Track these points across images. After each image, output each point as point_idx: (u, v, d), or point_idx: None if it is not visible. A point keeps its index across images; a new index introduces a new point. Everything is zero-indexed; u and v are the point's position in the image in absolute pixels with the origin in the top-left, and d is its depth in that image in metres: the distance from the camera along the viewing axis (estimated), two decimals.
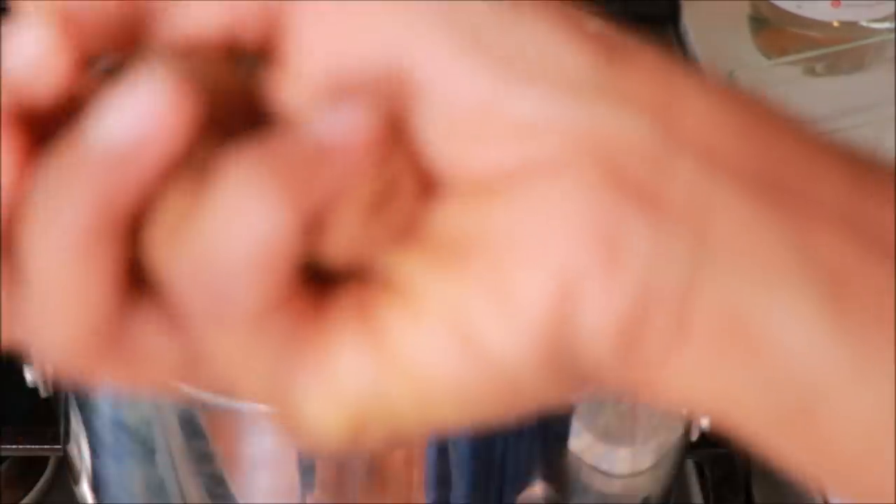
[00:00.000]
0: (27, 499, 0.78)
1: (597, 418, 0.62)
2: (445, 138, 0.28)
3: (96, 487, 0.68)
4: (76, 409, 0.65)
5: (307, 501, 0.60)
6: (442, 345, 0.28)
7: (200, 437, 0.60)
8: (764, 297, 0.28)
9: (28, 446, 0.76)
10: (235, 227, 0.26)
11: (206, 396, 0.58)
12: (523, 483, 0.62)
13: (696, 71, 0.29)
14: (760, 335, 0.28)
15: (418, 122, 0.28)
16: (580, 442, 0.62)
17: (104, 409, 0.63)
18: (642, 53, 0.29)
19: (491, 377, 0.28)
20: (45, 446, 0.76)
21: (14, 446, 0.76)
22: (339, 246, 0.28)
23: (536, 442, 0.60)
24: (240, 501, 0.61)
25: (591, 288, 0.28)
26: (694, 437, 0.69)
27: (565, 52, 0.28)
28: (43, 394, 0.68)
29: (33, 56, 0.28)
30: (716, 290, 0.28)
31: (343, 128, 0.27)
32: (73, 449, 0.68)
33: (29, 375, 0.68)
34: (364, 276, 0.29)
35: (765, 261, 0.28)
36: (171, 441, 0.61)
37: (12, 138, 0.27)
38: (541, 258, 0.28)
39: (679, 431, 0.68)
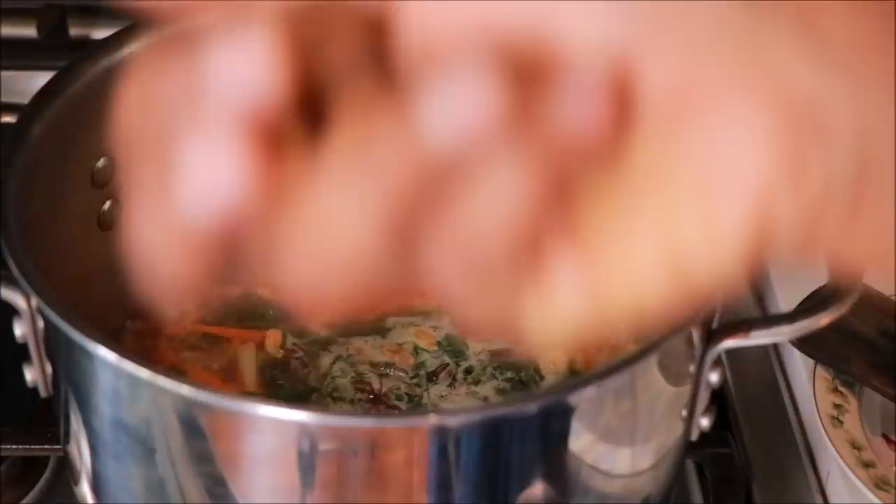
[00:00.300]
0: (27, 499, 0.78)
1: (597, 418, 0.62)
2: None
3: (96, 487, 0.68)
4: (76, 408, 0.65)
5: (307, 501, 0.60)
6: (651, 269, 0.32)
7: (200, 436, 0.60)
8: None
9: (28, 446, 0.76)
10: (500, 209, 0.30)
11: (207, 396, 0.58)
12: (523, 483, 0.62)
13: None
14: None
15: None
16: (580, 442, 0.62)
17: (104, 408, 0.63)
18: None
19: (697, 285, 0.32)
20: (45, 446, 0.76)
21: (14, 446, 0.76)
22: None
23: (536, 442, 0.60)
24: (240, 501, 0.61)
25: (784, 199, 0.32)
26: (694, 437, 0.69)
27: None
28: (43, 394, 0.68)
29: (259, 72, 0.29)
30: (881, 176, 0.32)
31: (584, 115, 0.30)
32: (73, 449, 0.68)
33: (29, 376, 0.68)
34: (578, 215, 0.32)
35: None
36: (171, 441, 0.61)
37: (256, 152, 0.30)
38: (741, 188, 0.31)
39: (679, 431, 0.68)
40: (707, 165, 0.31)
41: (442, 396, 0.75)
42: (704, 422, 0.68)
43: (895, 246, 0.34)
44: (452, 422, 0.59)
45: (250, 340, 0.78)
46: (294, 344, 0.78)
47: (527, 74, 0.31)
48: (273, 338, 0.78)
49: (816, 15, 0.32)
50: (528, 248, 0.32)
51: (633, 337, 0.34)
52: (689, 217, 0.32)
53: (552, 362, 0.77)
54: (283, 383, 0.76)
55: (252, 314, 0.80)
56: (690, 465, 0.81)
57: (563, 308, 0.32)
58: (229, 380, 0.76)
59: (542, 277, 0.32)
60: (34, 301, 0.63)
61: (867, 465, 0.75)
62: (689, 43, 0.31)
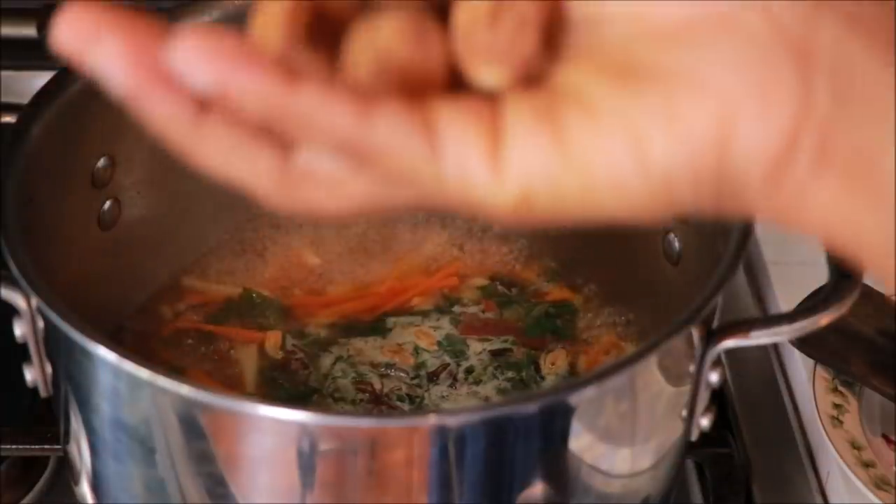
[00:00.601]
0: (27, 499, 0.78)
1: (597, 418, 0.62)
2: None
3: (96, 487, 0.68)
4: (76, 408, 0.65)
5: (307, 502, 0.60)
6: (614, 147, 0.35)
7: (200, 436, 0.60)
8: (887, 134, 0.35)
9: (28, 446, 0.76)
10: None
11: (207, 396, 0.58)
12: (523, 483, 0.62)
13: None
14: (884, 166, 0.35)
15: None
16: (580, 442, 0.62)
17: (104, 408, 0.63)
18: None
19: (651, 182, 0.35)
20: (45, 446, 0.76)
21: (14, 446, 0.76)
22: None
23: (537, 442, 0.61)
24: (240, 501, 0.61)
25: (749, 120, 0.34)
26: (694, 437, 0.69)
27: None
28: (43, 394, 0.68)
29: None
30: (851, 127, 0.35)
31: None
32: (72, 449, 0.68)
33: (29, 376, 0.68)
34: (553, 91, 0.36)
35: (888, 106, 0.35)
36: (170, 441, 0.61)
37: None
38: (710, 92, 0.35)
39: (679, 431, 0.68)
40: (681, 75, 0.35)
41: (443, 397, 0.75)
42: (704, 422, 0.68)
43: (851, 220, 0.36)
44: (452, 421, 0.59)
45: (250, 342, 0.78)
46: (294, 345, 0.78)
47: None
48: (272, 339, 0.78)
49: None
50: (484, 113, 0.35)
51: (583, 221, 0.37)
52: (656, 116, 0.35)
53: (552, 362, 0.77)
54: (283, 384, 0.76)
55: (252, 315, 0.80)
56: (690, 465, 0.81)
57: (518, 167, 0.35)
58: (229, 381, 0.76)
59: (500, 142, 0.35)
60: (34, 301, 0.63)
61: (867, 465, 0.75)
62: None
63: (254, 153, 0.37)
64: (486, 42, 0.36)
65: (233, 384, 0.75)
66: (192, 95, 0.35)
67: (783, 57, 0.35)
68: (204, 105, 0.36)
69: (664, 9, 0.36)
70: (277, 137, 0.36)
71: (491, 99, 0.36)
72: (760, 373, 0.87)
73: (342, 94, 0.35)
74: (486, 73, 0.37)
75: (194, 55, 0.34)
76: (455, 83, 0.37)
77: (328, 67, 0.36)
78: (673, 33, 0.35)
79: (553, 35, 0.37)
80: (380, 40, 0.36)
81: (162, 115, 0.36)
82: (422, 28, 0.36)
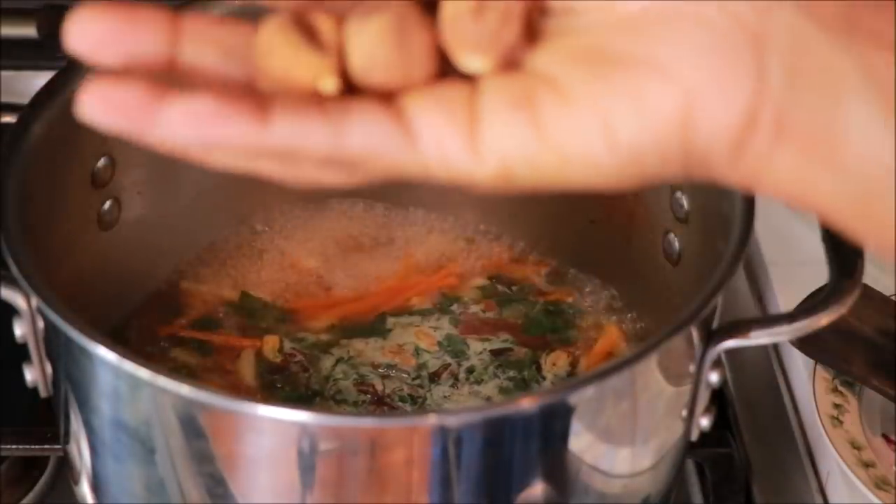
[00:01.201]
0: (27, 499, 0.78)
1: (597, 418, 0.62)
2: None
3: (96, 487, 0.68)
4: (76, 408, 0.65)
5: (307, 502, 0.60)
6: (584, 128, 0.38)
7: (200, 437, 0.60)
8: (839, 108, 0.38)
9: (28, 446, 0.76)
10: None
11: (207, 396, 0.58)
12: (523, 483, 0.62)
13: None
14: (837, 135, 0.38)
15: None
16: (580, 442, 0.62)
17: (104, 408, 0.63)
18: None
19: (621, 158, 0.39)
20: (45, 446, 0.76)
21: (14, 446, 0.76)
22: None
23: (536, 442, 0.61)
24: (240, 501, 0.61)
25: (709, 101, 0.38)
26: (694, 437, 0.69)
27: None
28: (43, 394, 0.68)
29: None
30: (805, 104, 0.38)
31: None
32: (72, 449, 0.68)
33: (29, 376, 0.68)
34: (530, 74, 0.39)
35: (841, 83, 0.38)
36: (170, 441, 0.61)
37: None
38: (673, 77, 0.38)
39: (679, 431, 0.68)
40: (646, 63, 0.38)
41: (445, 397, 0.75)
42: (704, 422, 0.68)
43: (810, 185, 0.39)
44: (452, 421, 0.59)
45: (248, 346, 0.78)
46: (293, 348, 0.78)
47: None
48: (270, 343, 0.78)
49: None
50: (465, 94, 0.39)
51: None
52: (624, 100, 0.38)
53: (553, 363, 0.77)
54: (283, 388, 0.76)
55: (251, 318, 0.80)
56: (690, 465, 0.81)
57: (496, 144, 0.39)
58: (228, 385, 0.75)
59: (478, 120, 0.39)
60: (34, 301, 0.63)
61: (867, 464, 0.75)
62: None
63: (258, 157, 0.40)
64: (471, 33, 0.39)
65: (232, 388, 0.75)
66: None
67: (739, 43, 0.38)
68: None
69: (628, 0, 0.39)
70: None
71: (471, 82, 0.40)
72: (760, 373, 0.87)
73: (313, 116, 0.38)
74: (471, 61, 0.39)
75: (176, 120, 0.37)
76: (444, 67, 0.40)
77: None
78: (637, 23, 0.39)
79: (533, 23, 0.40)
80: (363, 46, 0.39)
81: (161, 138, 0.39)
82: (404, 27, 0.39)
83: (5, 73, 0.98)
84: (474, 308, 0.81)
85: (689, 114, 0.38)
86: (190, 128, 0.37)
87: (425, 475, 0.60)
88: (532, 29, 0.40)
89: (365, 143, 0.38)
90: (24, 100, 0.72)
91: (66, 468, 0.73)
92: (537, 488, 0.62)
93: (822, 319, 0.65)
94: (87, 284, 0.73)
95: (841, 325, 0.77)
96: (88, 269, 0.74)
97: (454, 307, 0.81)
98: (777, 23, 0.38)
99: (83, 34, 0.39)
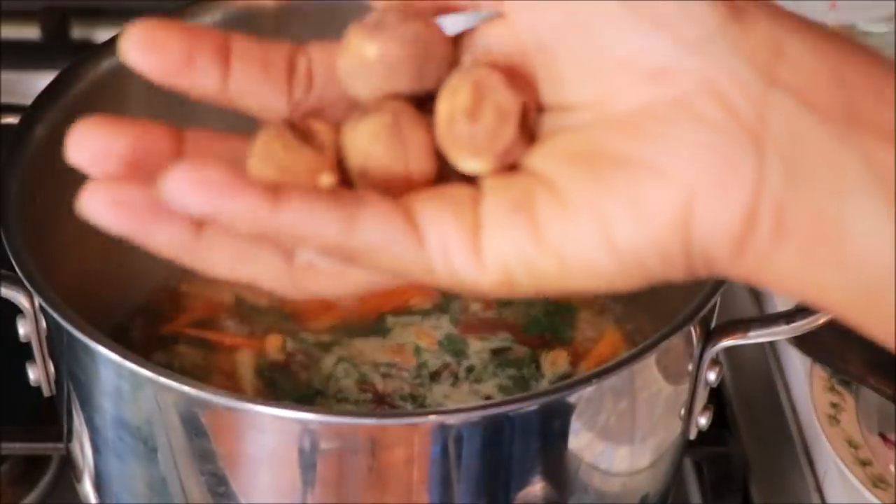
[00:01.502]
0: (30, 498, 0.78)
1: (596, 417, 0.62)
2: (586, 81, 0.38)
3: (99, 486, 0.68)
4: (79, 407, 0.65)
5: (308, 500, 0.61)
6: (584, 235, 0.37)
7: (202, 435, 0.60)
8: (842, 203, 0.37)
9: (31, 445, 0.76)
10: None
11: (209, 395, 0.58)
12: (523, 481, 0.62)
13: (801, 21, 0.39)
14: (840, 231, 0.37)
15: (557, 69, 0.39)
16: (579, 440, 0.62)
17: (107, 407, 0.63)
18: (760, 13, 0.38)
19: (622, 264, 0.38)
20: (48, 445, 0.76)
21: (16, 444, 0.76)
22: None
23: (536, 440, 0.61)
24: (241, 500, 0.62)
25: (708, 202, 0.37)
26: (692, 435, 0.69)
27: (701, 9, 0.37)
28: (46, 393, 0.69)
29: None
30: (806, 200, 0.37)
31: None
32: (75, 447, 0.68)
33: (32, 375, 0.68)
34: (529, 174, 0.38)
35: (842, 177, 0.37)
36: (172, 440, 0.61)
37: None
38: (671, 179, 0.37)
39: (677, 430, 0.68)
40: (643, 164, 0.37)
41: (445, 396, 0.75)
42: (702, 420, 0.68)
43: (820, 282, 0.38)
44: (452, 420, 0.59)
45: (249, 346, 0.78)
46: (294, 348, 0.78)
47: None
48: (273, 342, 0.78)
49: (776, 44, 0.38)
50: (466, 203, 0.38)
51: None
52: (622, 205, 0.37)
53: (553, 361, 0.78)
54: (284, 387, 0.76)
55: (252, 318, 0.80)
56: (688, 464, 0.81)
57: (497, 251, 0.38)
58: (229, 384, 0.75)
59: (479, 229, 0.38)
60: (37, 301, 0.63)
61: (864, 463, 0.75)
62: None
63: (257, 257, 0.39)
64: (467, 134, 0.38)
65: (233, 387, 0.75)
66: (187, 218, 0.38)
67: (737, 140, 0.37)
68: (200, 223, 0.38)
69: (623, 97, 0.38)
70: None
71: (474, 184, 0.39)
72: (758, 372, 0.87)
73: (326, 203, 0.37)
74: (469, 163, 0.39)
75: (184, 187, 0.36)
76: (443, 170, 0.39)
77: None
78: (633, 120, 0.38)
79: (531, 122, 0.39)
80: (358, 145, 0.38)
81: (163, 242, 0.39)
82: (399, 126, 0.38)
83: (8, 75, 0.99)
84: (474, 307, 0.81)
85: (689, 214, 0.37)
86: (199, 194, 0.36)
87: (425, 473, 0.60)
88: (530, 128, 0.39)
89: (377, 236, 0.37)
90: (27, 101, 0.72)
91: (68, 467, 0.73)
92: (537, 486, 0.62)
93: (820, 318, 0.65)
94: (90, 284, 0.73)
95: (838, 325, 0.77)
96: (91, 269, 0.74)
97: (454, 307, 0.81)
98: (776, 115, 0.37)
99: (84, 148, 0.39)
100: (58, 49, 1.03)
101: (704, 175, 0.37)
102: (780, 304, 0.85)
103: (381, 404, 0.75)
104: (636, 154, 0.37)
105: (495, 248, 0.38)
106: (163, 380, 0.58)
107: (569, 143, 0.39)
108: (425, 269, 0.38)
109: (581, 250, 0.38)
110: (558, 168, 0.38)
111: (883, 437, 0.79)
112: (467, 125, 0.38)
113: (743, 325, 0.66)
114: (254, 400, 0.59)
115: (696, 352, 0.65)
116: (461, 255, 0.38)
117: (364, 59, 0.39)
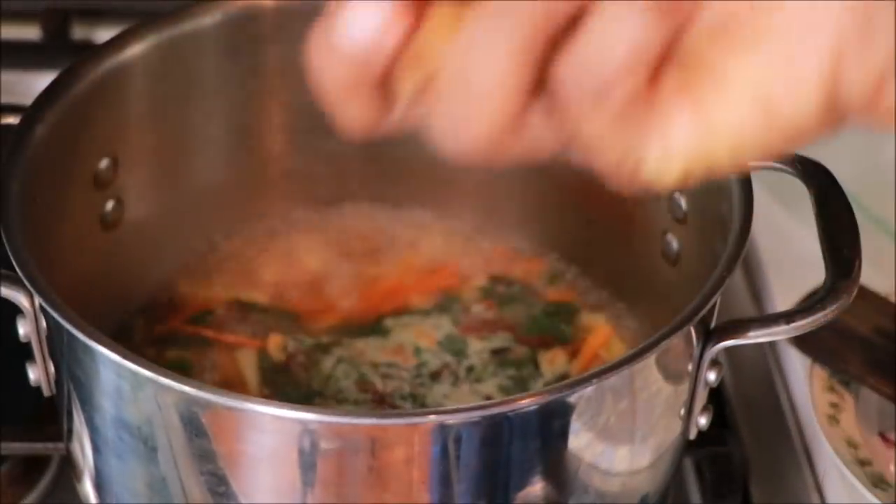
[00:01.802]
0: (31, 497, 0.79)
1: (596, 417, 0.62)
2: None
3: (99, 486, 0.68)
4: (79, 407, 0.65)
5: (308, 500, 0.61)
6: (745, 111, 0.40)
7: (202, 435, 0.60)
8: None
9: (31, 444, 0.76)
10: (617, 39, 0.38)
11: (209, 395, 0.58)
12: (523, 481, 0.62)
13: None
14: None
15: None
16: (579, 440, 0.62)
17: (107, 407, 0.63)
18: None
19: (781, 129, 0.40)
20: (48, 445, 0.76)
21: (16, 444, 0.76)
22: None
23: (536, 440, 0.61)
24: (241, 500, 0.62)
25: (854, 57, 0.39)
26: (692, 435, 0.69)
27: None
28: (46, 393, 0.69)
29: None
30: None
31: None
32: (75, 447, 0.68)
33: (32, 375, 0.68)
34: (684, 67, 0.40)
35: None
36: (173, 439, 0.61)
37: None
38: (819, 40, 0.39)
39: (677, 430, 0.68)
40: (793, 27, 0.39)
41: (445, 396, 0.76)
42: (702, 420, 0.68)
43: None
44: (452, 420, 0.59)
45: (250, 345, 0.78)
46: (295, 348, 0.78)
47: None
48: (275, 342, 0.78)
49: None
50: (650, 103, 0.40)
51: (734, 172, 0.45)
52: (775, 69, 0.39)
53: (551, 361, 0.78)
54: (285, 387, 0.76)
55: (252, 319, 0.80)
56: (688, 464, 0.81)
57: (676, 146, 0.40)
58: (230, 386, 0.76)
59: (659, 119, 0.40)
60: (37, 300, 0.64)
61: (863, 463, 0.75)
62: None
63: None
64: None
65: (233, 387, 0.75)
66: None
67: (875, 4, 0.39)
68: None
69: None
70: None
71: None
72: (757, 372, 0.87)
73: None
74: None
75: None
76: None
77: None
78: None
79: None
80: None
81: None
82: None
83: (8, 75, 0.99)
84: (474, 308, 0.81)
85: (837, 70, 0.39)
86: None
87: (425, 473, 0.60)
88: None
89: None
90: (27, 101, 0.72)
91: (68, 467, 0.73)
92: (536, 486, 0.62)
93: (820, 319, 0.65)
94: (90, 284, 0.73)
95: (838, 325, 0.77)
96: (91, 269, 0.75)
97: (454, 307, 0.81)
98: None
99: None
100: (58, 49, 1.03)
101: (848, 35, 0.39)
102: (781, 305, 0.85)
103: (381, 404, 0.75)
104: (784, 24, 0.39)
105: (677, 138, 0.40)
106: (163, 380, 0.58)
107: (710, 20, 0.40)
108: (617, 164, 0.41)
109: (742, 123, 0.40)
110: (710, 49, 0.40)
111: (883, 436, 0.79)
112: None
113: (743, 325, 0.66)
114: (254, 400, 0.59)
115: (696, 352, 0.65)
116: (653, 155, 0.40)
117: None
